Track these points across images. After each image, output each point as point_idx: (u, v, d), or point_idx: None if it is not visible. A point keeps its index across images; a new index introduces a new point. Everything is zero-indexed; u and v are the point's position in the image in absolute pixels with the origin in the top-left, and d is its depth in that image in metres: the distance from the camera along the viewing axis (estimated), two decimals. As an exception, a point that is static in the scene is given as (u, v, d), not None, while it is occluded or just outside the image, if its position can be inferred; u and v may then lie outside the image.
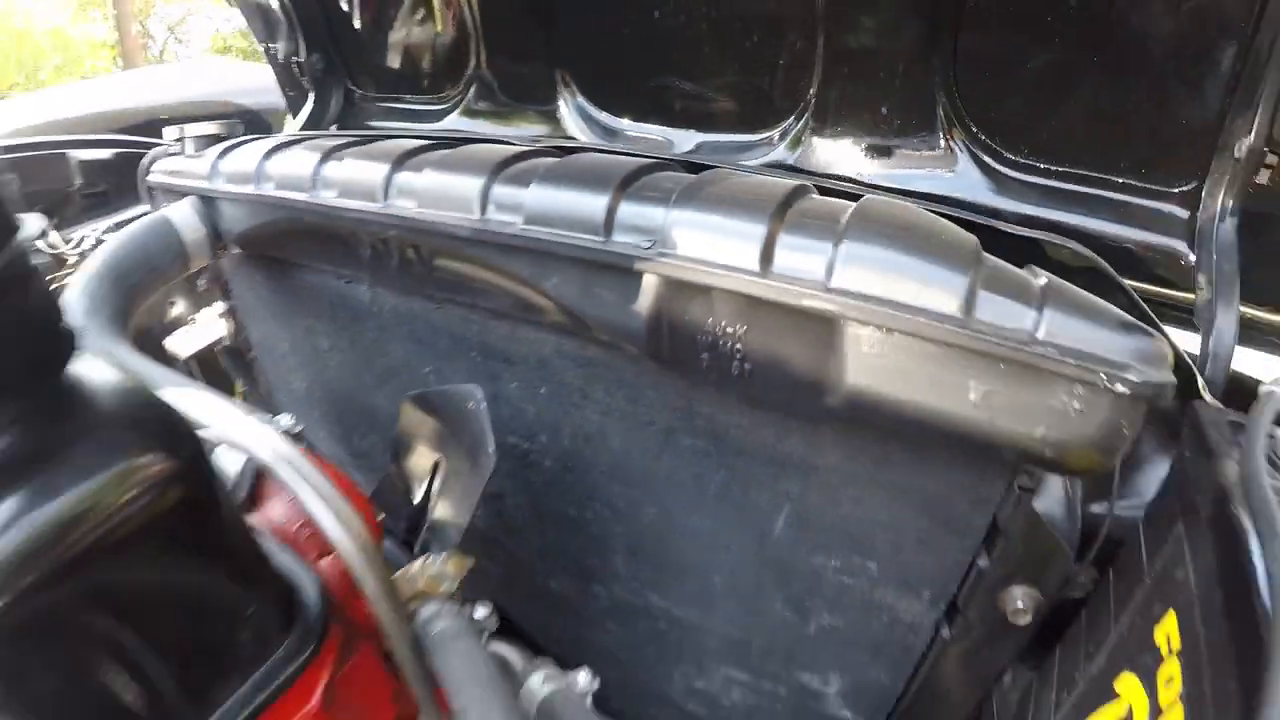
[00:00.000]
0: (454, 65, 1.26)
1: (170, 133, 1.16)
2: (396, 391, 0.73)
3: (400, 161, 0.79)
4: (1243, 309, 0.73)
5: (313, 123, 1.42)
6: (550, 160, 0.75)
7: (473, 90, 1.24)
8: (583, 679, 0.70)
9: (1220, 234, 0.75)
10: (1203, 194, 0.78)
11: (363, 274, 0.87)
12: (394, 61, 1.38)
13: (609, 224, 0.69)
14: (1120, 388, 0.49)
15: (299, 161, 0.86)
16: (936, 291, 0.54)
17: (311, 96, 1.43)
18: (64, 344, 0.44)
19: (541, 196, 0.71)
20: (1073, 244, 0.68)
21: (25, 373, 0.43)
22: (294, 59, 1.40)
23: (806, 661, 0.82)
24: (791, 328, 0.60)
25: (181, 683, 0.48)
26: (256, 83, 1.73)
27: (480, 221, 0.72)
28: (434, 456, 0.77)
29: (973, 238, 0.58)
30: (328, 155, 0.84)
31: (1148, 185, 0.82)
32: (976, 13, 0.82)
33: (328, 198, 0.81)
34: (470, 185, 0.73)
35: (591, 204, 0.69)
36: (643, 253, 0.65)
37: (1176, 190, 0.80)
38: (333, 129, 1.45)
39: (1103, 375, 0.50)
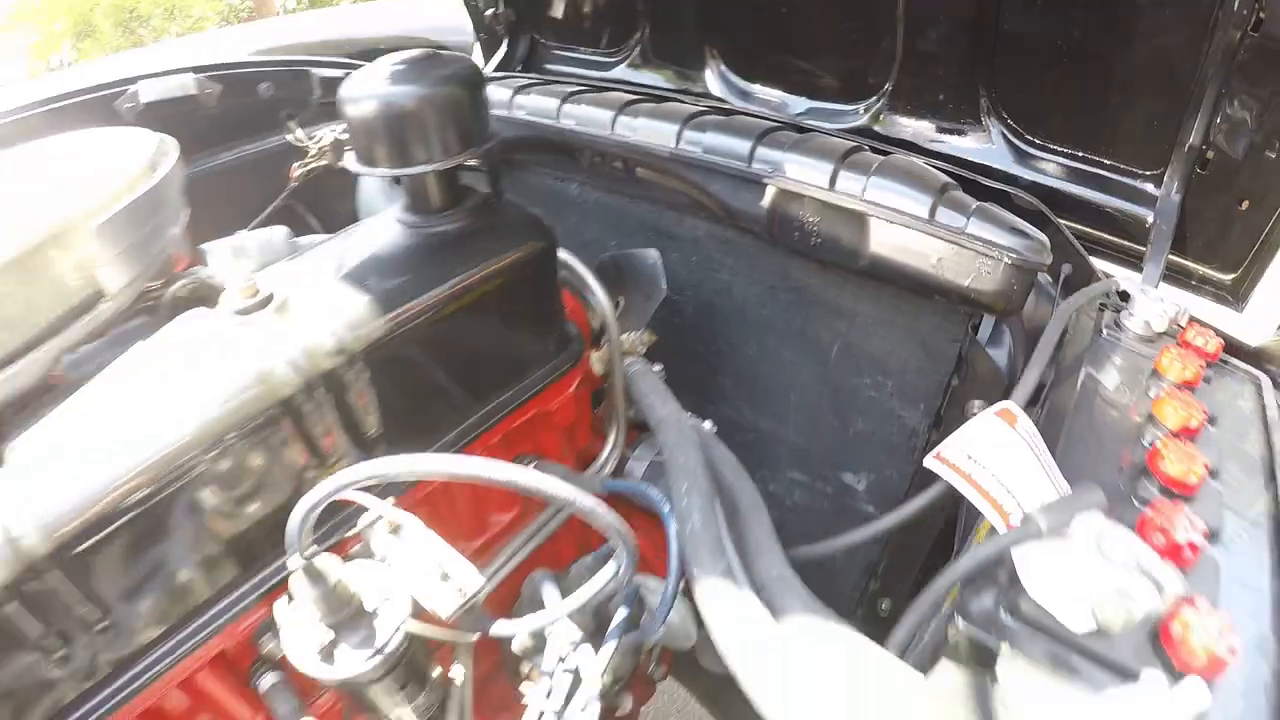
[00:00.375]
0: (625, 30, 1.70)
1: None
2: (590, 256, 1.22)
3: (623, 108, 1.28)
4: (1173, 257, 1.13)
5: (504, 65, 1.90)
6: (718, 117, 1.24)
7: (637, 52, 1.70)
8: (709, 424, 1.19)
9: (1167, 206, 1.10)
10: (1165, 177, 1.11)
11: (576, 176, 1.36)
12: (573, 20, 1.83)
13: (750, 157, 1.17)
14: (1008, 259, 0.96)
15: (545, 99, 1.36)
16: (915, 204, 1.02)
17: (505, 43, 1.91)
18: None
19: (714, 138, 1.20)
20: (1025, 195, 1.11)
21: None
22: (492, 10, 1.89)
23: (845, 463, 1.30)
24: (842, 219, 1.09)
25: (520, 362, 0.99)
26: (449, 22, 2.21)
27: (675, 149, 1.22)
28: (616, 297, 1.26)
29: (944, 178, 1.04)
30: (566, 98, 1.33)
31: (1129, 168, 1.16)
32: (1011, 34, 1.24)
33: (569, 124, 1.30)
34: (670, 128, 1.24)
35: (742, 145, 1.18)
36: (768, 174, 1.13)
37: (1149, 173, 1.14)
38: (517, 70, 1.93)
39: (998, 253, 0.97)
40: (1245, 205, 1.04)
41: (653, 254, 1.19)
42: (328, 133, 1.85)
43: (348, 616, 0.70)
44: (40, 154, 1.00)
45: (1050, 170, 1.23)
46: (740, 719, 1.43)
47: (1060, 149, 1.22)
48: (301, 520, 0.64)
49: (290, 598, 0.71)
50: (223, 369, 0.73)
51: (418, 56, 0.91)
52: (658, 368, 1.11)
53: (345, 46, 2.12)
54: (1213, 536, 0.65)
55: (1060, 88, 1.19)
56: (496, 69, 1.86)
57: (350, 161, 0.91)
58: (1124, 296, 0.96)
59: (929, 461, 0.67)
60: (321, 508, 0.65)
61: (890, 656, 0.63)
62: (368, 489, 0.68)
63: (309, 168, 1.77)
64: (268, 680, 0.81)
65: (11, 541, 0.60)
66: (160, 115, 1.75)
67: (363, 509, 0.72)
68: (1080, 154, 1.21)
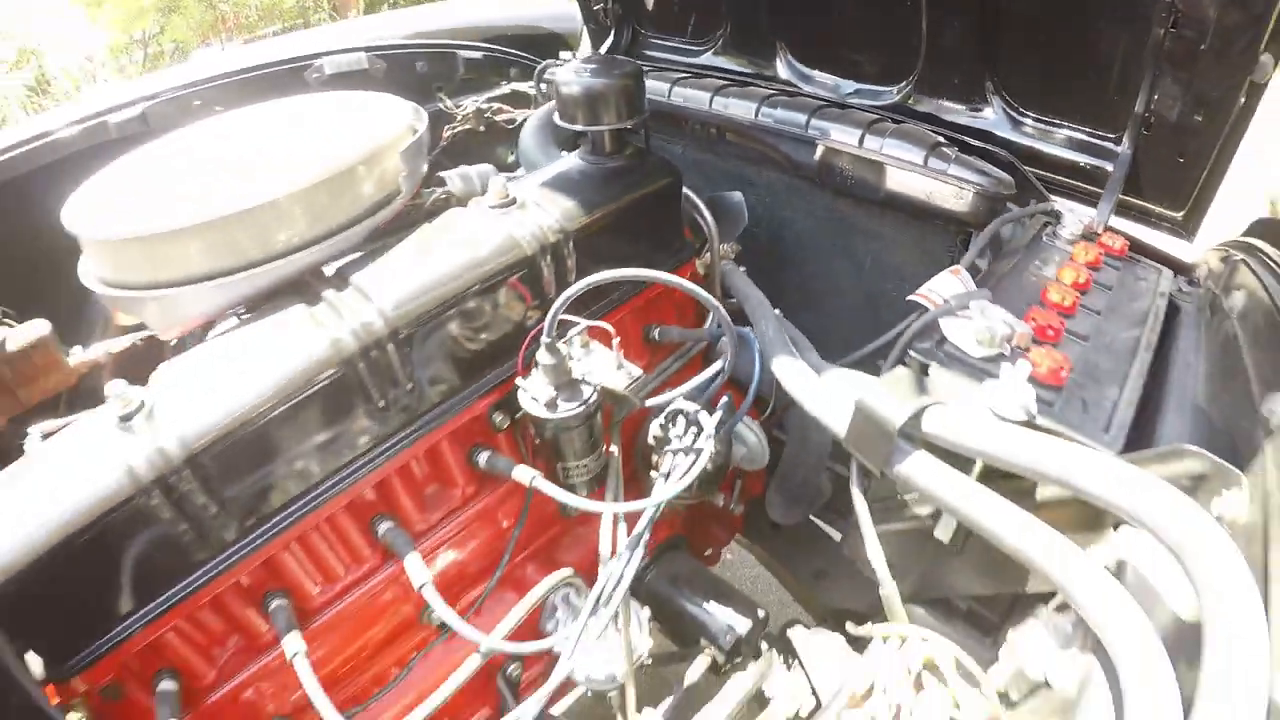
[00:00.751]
0: (710, 24, 2.20)
1: (565, 55, 2.21)
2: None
3: (717, 90, 1.81)
4: (1139, 201, 1.52)
5: (610, 51, 2.42)
6: (785, 98, 1.76)
7: (720, 42, 2.21)
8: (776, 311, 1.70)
9: (1121, 159, 1.47)
10: (1124, 138, 1.48)
11: (681, 139, 1.90)
12: (668, 14, 2.33)
13: (806, 125, 1.69)
14: (975, 190, 1.45)
15: (659, 83, 1.90)
16: (914, 155, 1.53)
17: (612, 33, 2.44)
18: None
19: (781, 113, 1.72)
20: (1001, 151, 1.58)
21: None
22: (601, 5, 2.41)
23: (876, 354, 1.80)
24: (868, 166, 1.60)
25: (656, 252, 1.50)
26: (556, 10, 2.74)
27: (754, 120, 1.74)
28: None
29: (935, 138, 1.53)
30: (675, 83, 1.87)
31: (1097, 131, 1.53)
32: (1009, 33, 1.66)
33: (678, 102, 1.84)
34: (751, 105, 1.78)
35: (801, 118, 1.71)
36: (818, 137, 1.65)
37: (1113, 135, 1.50)
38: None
39: (969, 186, 1.47)
40: (1183, 159, 1.40)
41: (737, 195, 1.71)
42: (470, 102, 2.39)
43: (564, 383, 1.23)
44: (321, 105, 1.55)
45: (1039, 135, 1.65)
46: (797, 572, 1.93)
47: (1046, 119, 1.63)
48: (555, 310, 1.16)
49: (528, 373, 1.24)
50: (490, 239, 1.27)
51: (604, 58, 1.45)
52: (741, 269, 1.63)
53: (475, 33, 2.65)
54: (1072, 333, 1.15)
55: (1046, 72, 1.61)
56: (605, 53, 2.39)
57: (555, 118, 1.45)
58: (1057, 216, 1.46)
59: (910, 296, 1.18)
60: (572, 299, 1.16)
61: (876, 379, 1.13)
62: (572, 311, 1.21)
63: (455, 131, 2.30)
64: (484, 456, 1.35)
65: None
66: (339, 85, 2.30)
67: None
68: (1061, 122, 1.62)
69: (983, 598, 1.10)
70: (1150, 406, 1.05)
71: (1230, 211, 1.51)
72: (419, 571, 1.18)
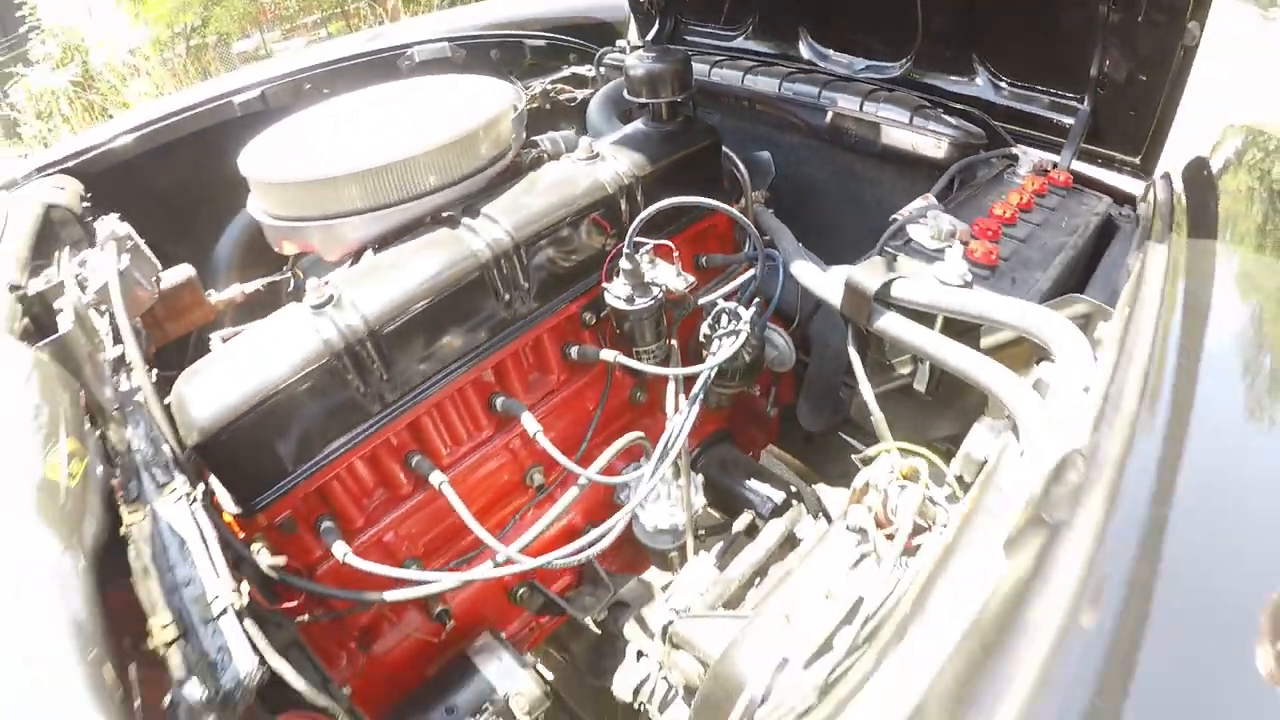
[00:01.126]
0: (741, 13, 2.66)
1: (620, 44, 2.67)
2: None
3: (748, 70, 2.26)
4: (1104, 150, 1.83)
5: (657, 39, 2.88)
6: (802, 74, 2.21)
7: (751, 29, 2.65)
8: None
9: (1080, 115, 1.79)
10: (1085, 98, 1.79)
11: (718, 110, 2.36)
12: (705, 4, 2.77)
13: (819, 96, 2.13)
14: (949, 140, 1.89)
15: (701, 64, 2.35)
16: (901, 115, 1.97)
17: (656, 21, 2.89)
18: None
19: (800, 86, 2.17)
20: (976, 111, 2.01)
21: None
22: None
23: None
24: (868, 126, 2.05)
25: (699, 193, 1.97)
26: (606, 2, 3.18)
27: (778, 93, 2.19)
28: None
29: (919, 100, 1.97)
30: (713, 65, 2.33)
31: (1063, 93, 1.85)
32: (990, 19, 2.11)
33: (716, 80, 2.30)
34: (775, 81, 2.22)
35: (815, 90, 2.15)
36: (829, 105, 2.10)
37: (1076, 95, 1.80)
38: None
39: (944, 138, 1.90)
40: (1134, 112, 1.68)
41: (766, 153, 2.17)
42: (536, 84, 2.86)
43: (638, 284, 1.69)
44: (443, 85, 2.01)
45: (1017, 98, 1.99)
46: (826, 476, 2.38)
47: (1022, 84, 1.97)
48: (633, 229, 1.62)
49: (610, 281, 1.70)
50: (582, 182, 1.74)
51: (662, 48, 1.92)
52: (770, 210, 2.08)
53: (538, 24, 3.09)
54: (1010, 235, 1.58)
55: (1020, 46, 1.95)
56: (653, 40, 2.85)
57: (625, 94, 1.92)
58: (1015, 159, 1.88)
59: (892, 216, 1.62)
60: (643, 224, 1.62)
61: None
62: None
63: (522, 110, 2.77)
64: (575, 349, 1.82)
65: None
66: (426, 71, 2.77)
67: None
68: (1034, 86, 1.95)
69: (952, 436, 1.54)
70: (1074, 289, 1.49)
71: (1187, 154, 1.69)
72: (532, 423, 1.64)
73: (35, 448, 1.00)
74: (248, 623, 1.04)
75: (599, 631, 2.06)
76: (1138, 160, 1.76)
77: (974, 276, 1.40)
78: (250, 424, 1.36)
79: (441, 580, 1.47)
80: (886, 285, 1.42)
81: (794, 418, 2.29)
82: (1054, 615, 0.70)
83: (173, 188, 2.25)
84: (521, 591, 1.93)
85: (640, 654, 1.85)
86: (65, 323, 1.34)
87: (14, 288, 1.51)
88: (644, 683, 1.79)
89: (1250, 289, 1.22)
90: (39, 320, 1.50)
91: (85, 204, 2.03)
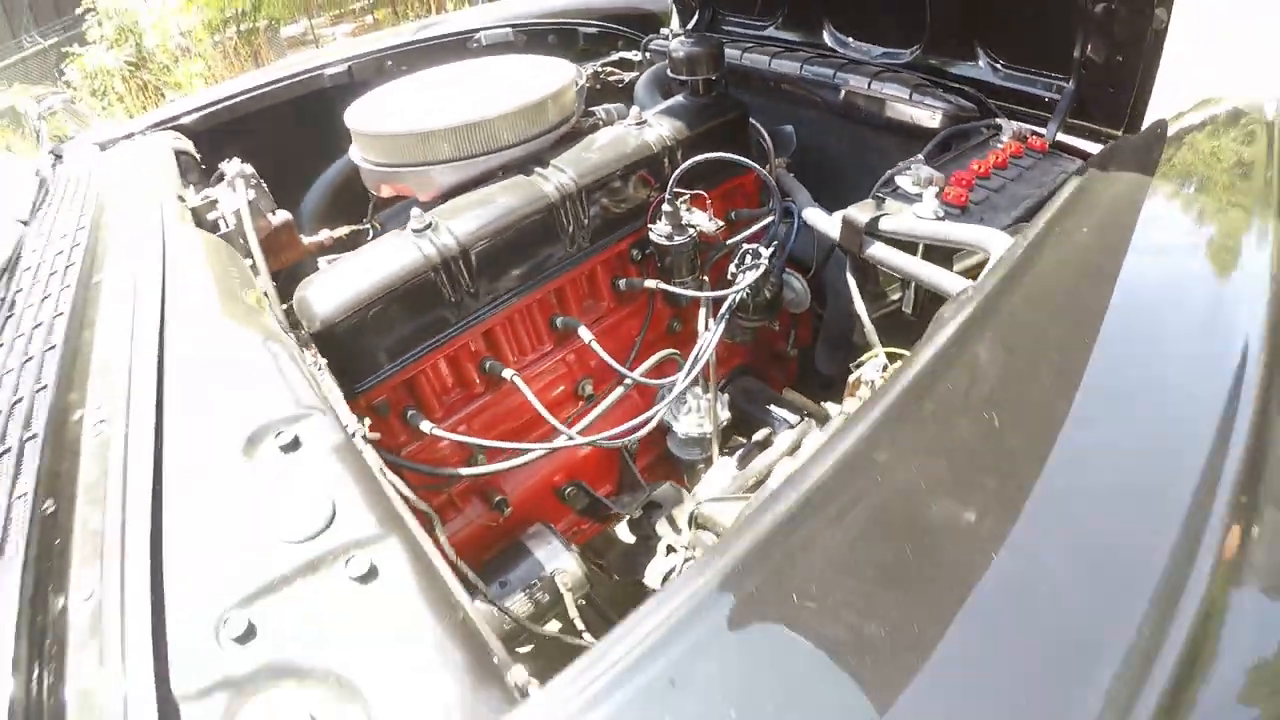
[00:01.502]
0: (772, 5, 3.06)
1: (664, 31, 3.09)
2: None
3: (774, 55, 2.68)
4: (1090, 125, 2.02)
5: (696, 28, 3.28)
6: (821, 59, 2.62)
7: (780, 20, 3.05)
8: (813, 206, 2.55)
9: (1065, 93, 1.99)
10: (1070, 79, 2.00)
11: (748, 91, 2.77)
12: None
13: (834, 77, 2.53)
14: (943, 113, 2.28)
15: (733, 50, 2.77)
16: (902, 93, 2.34)
17: (696, 12, 3.30)
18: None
19: (818, 68, 2.58)
20: (970, 89, 2.38)
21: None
22: (689, -9, 3.27)
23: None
24: (874, 102, 2.42)
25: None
26: (649, -5, 3.60)
27: (799, 74, 2.60)
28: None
29: (918, 79, 2.35)
30: (744, 51, 2.74)
31: (1054, 74, 2.04)
32: (989, 8, 2.50)
33: (748, 64, 2.71)
34: (796, 64, 2.62)
35: (830, 72, 2.55)
36: (843, 84, 2.50)
37: (1064, 76, 1.99)
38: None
39: (939, 110, 2.29)
40: (1114, 90, 1.87)
41: (789, 127, 2.57)
42: (589, 67, 3.26)
43: (677, 225, 2.10)
44: (517, 63, 2.45)
45: (1013, 79, 2.21)
46: None
47: (1017, 67, 2.20)
48: (674, 178, 2.04)
49: (655, 221, 2.12)
50: (632, 142, 2.16)
51: (699, 35, 2.35)
52: (790, 174, 2.48)
53: (590, 12, 3.52)
54: (983, 186, 1.97)
55: (1015, 32, 2.19)
56: (693, 29, 3.26)
57: (668, 73, 2.33)
58: (999, 129, 2.26)
59: (889, 174, 2.02)
60: (689, 166, 2.04)
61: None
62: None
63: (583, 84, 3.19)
64: (623, 281, 2.24)
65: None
66: (491, 53, 3.20)
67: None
68: (1029, 68, 2.17)
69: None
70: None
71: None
72: (587, 333, 2.06)
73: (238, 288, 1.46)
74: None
75: (632, 539, 2.46)
76: (1120, 133, 1.96)
77: (945, 214, 1.78)
78: (360, 318, 1.71)
79: (520, 450, 1.89)
80: (875, 220, 1.82)
81: (812, 364, 2.69)
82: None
83: (268, 146, 2.60)
84: (569, 490, 2.33)
85: (670, 549, 2.24)
86: (226, 225, 1.80)
87: (179, 198, 1.96)
88: (673, 571, 2.19)
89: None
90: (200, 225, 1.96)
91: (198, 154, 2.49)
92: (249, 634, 0.75)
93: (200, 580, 0.83)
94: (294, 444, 1.04)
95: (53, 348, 1.35)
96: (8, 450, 1.08)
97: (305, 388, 1.19)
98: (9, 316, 1.54)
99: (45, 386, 1.23)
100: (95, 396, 1.22)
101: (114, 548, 0.85)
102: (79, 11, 12.22)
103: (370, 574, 0.80)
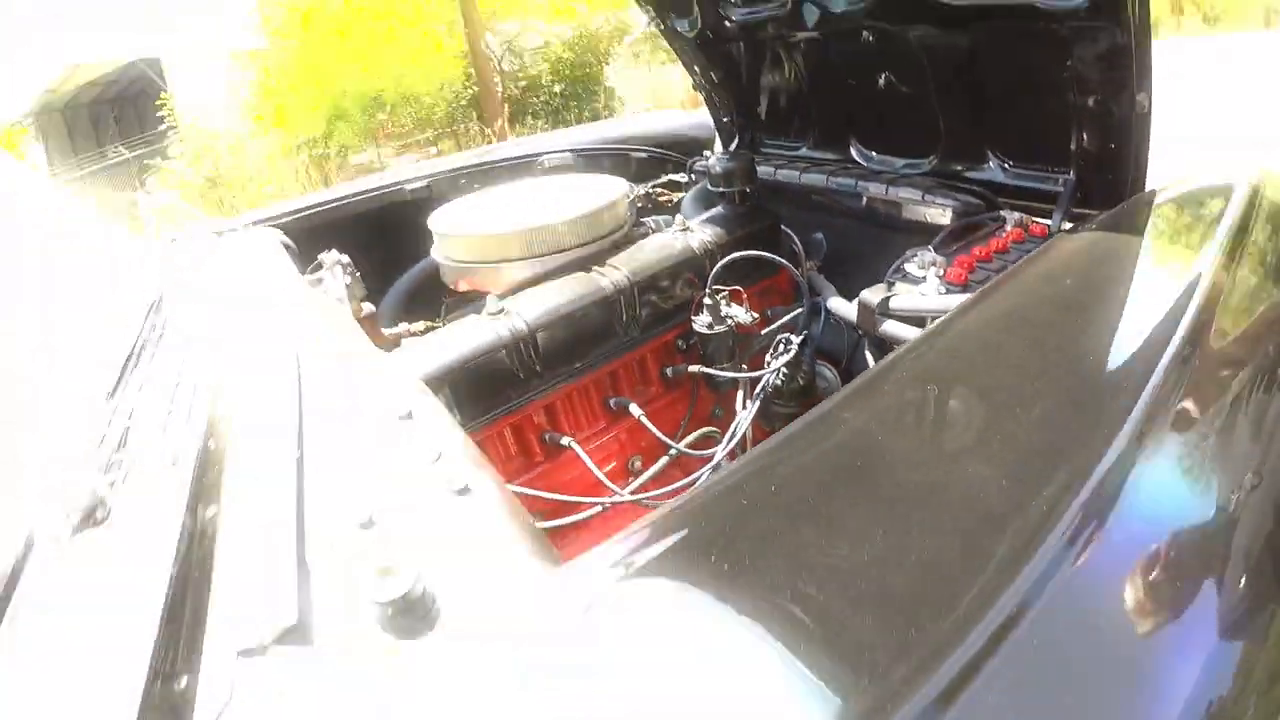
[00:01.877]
0: (804, 128, 3.47)
1: (706, 154, 3.54)
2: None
3: (803, 170, 3.08)
4: (1088, 211, 2.17)
5: (737, 148, 3.72)
6: (845, 170, 3.00)
7: (812, 140, 3.46)
8: (840, 303, 2.87)
9: (1067, 185, 2.17)
10: (1070, 170, 2.26)
11: (782, 202, 3.16)
12: (776, 122, 3.63)
13: (855, 186, 2.90)
14: (952, 209, 2.58)
15: (766, 168, 3.18)
16: (916, 195, 2.66)
17: (736, 136, 3.75)
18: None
19: (842, 180, 2.96)
20: (975, 187, 2.72)
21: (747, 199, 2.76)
22: (728, 119, 3.73)
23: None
24: (893, 205, 2.78)
25: (772, 265, 2.74)
26: (695, 121, 4.08)
27: (827, 184, 2.99)
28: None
29: (931, 182, 2.66)
30: (777, 168, 3.16)
31: (1053, 169, 2.26)
32: (994, 120, 2.86)
33: (780, 178, 3.12)
34: (823, 177, 3.00)
35: (853, 182, 2.92)
36: (865, 192, 2.86)
37: (1065, 170, 2.21)
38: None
39: (948, 208, 2.60)
40: (1111, 177, 2.06)
41: (819, 235, 2.93)
42: (641, 188, 3.71)
43: (716, 317, 2.44)
44: (575, 180, 2.87)
45: (1020, 177, 2.44)
46: None
47: (1024, 165, 2.43)
48: (713, 275, 2.40)
49: (698, 314, 2.47)
50: (677, 246, 2.54)
51: (735, 153, 2.75)
52: (821, 275, 2.82)
53: (642, 139, 4.01)
54: (984, 268, 2.27)
55: (1018, 135, 2.43)
56: (736, 148, 3.70)
57: (707, 186, 2.73)
58: (1003, 221, 2.57)
59: (899, 261, 2.35)
60: (726, 262, 2.40)
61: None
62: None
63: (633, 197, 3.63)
64: (670, 369, 2.57)
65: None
66: (554, 173, 3.66)
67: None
68: (1035, 165, 2.41)
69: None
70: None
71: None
72: (638, 410, 2.38)
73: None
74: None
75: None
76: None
77: (946, 290, 2.10)
78: (440, 385, 1.91)
79: (576, 505, 2.18)
80: (885, 300, 2.14)
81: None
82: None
83: (351, 249, 2.92)
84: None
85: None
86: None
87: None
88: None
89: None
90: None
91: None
92: (369, 523, 0.98)
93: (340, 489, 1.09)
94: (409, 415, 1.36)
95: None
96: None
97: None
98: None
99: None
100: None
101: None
102: (161, 128, 13.47)
103: (465, 490, 1.09)
